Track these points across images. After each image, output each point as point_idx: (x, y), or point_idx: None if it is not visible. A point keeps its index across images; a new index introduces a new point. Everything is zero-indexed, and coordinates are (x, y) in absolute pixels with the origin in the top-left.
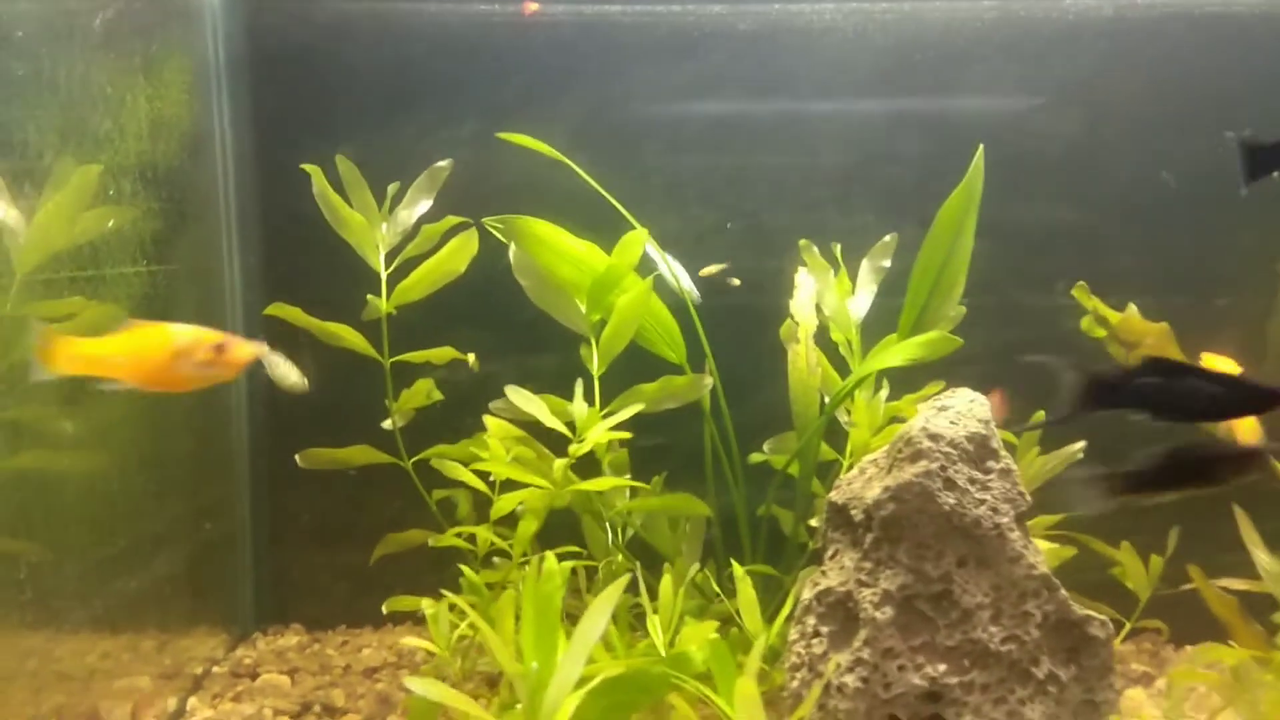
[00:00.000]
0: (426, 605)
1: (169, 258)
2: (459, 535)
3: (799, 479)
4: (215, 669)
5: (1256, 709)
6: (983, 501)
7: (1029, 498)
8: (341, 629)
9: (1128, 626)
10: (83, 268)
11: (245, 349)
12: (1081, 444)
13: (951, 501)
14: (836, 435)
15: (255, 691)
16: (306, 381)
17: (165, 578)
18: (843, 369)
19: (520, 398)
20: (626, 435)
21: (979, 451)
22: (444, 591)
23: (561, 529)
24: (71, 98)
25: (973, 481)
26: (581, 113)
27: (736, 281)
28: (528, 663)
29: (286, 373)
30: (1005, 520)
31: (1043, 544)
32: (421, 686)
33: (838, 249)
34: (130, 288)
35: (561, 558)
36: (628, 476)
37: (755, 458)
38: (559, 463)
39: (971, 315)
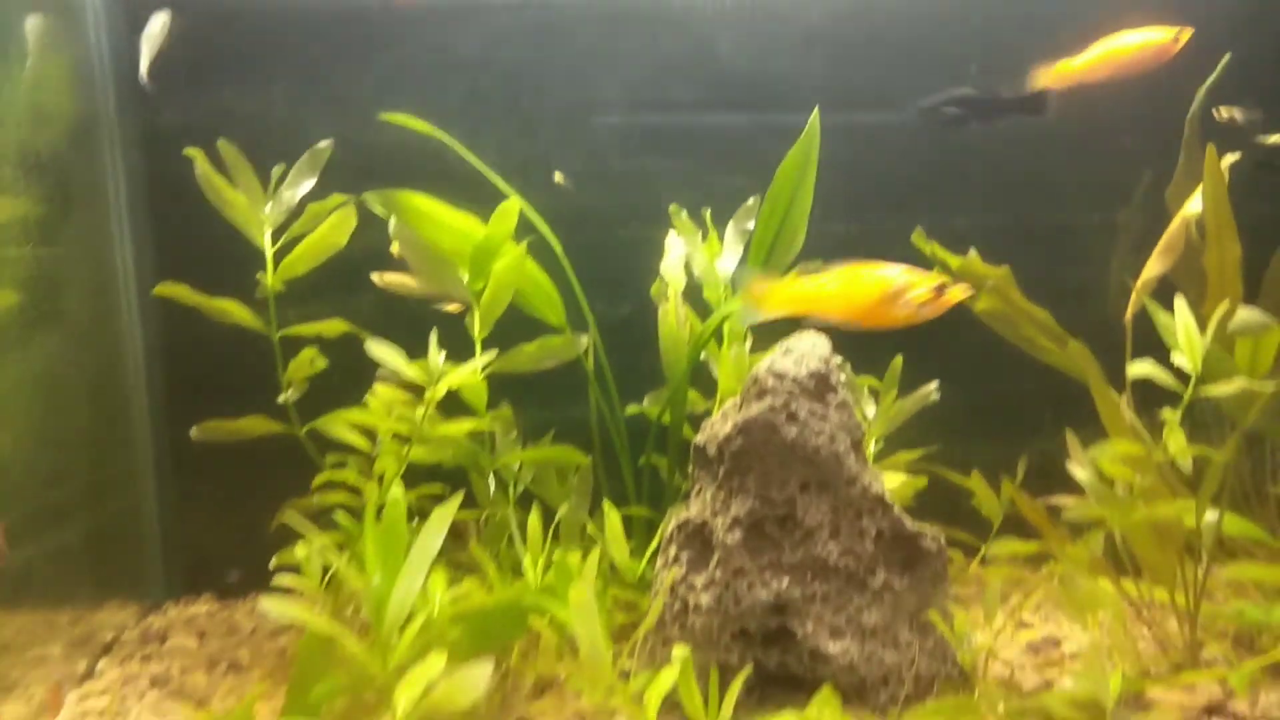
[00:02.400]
0: (299, 548)
1: (56, 241)
2: (343, 486)
3: (671, 427)
4: (125, 635)
5: (1070, 588)
6: (822, 431)
7: (864, 426)
8: (251, 596)
9: (983, 550)
10: None
11: (959, 291)
12: (935, 384)
13: (794, 433)
14: (711, 389)
15: (164, 653)
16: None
17: (71, 553)
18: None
19: (381, 350)
20: (477, 380)
21: (819, 387)
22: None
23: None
24: None
25: (813, 414)
26: (457, 92)
27: (561, 178)
28: (371, 577)
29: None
30: (842, 447)
31: (898, 476)
32: (275, 606)
33: (708, 214)
34: (16, 270)
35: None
36: (514, 434)
37: (631, 409)
38: (419, 410)
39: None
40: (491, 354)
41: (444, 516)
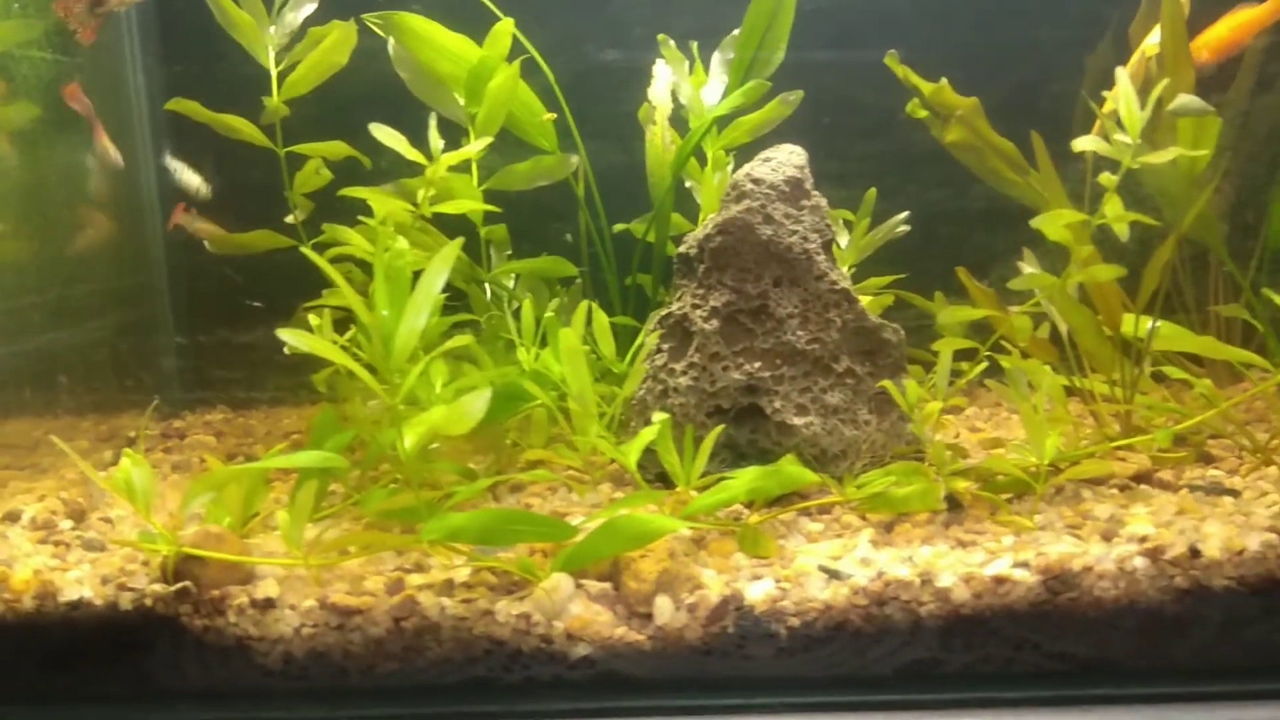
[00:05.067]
0: (312, 318)
1: (71, 52)
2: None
3: (655, 245)
4: (148, 433)
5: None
6: (795, 232)
7: (834, 228)
8: (263, 409)
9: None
10: None
11: None
12: (905, 214)
13: (769, 233)
14: (695, 213)
15: (184, 447)
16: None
17: (92, 358)
18: (700, 154)
19: (383, 133)
20: (474, 154)
21: (794, 192)
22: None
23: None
24: None
25: (787, 216)
26: None
27: None
28: (379, 313)
29: (189, 179)
30: (813, 246)
31: (867, 298)
32: (290, 335)
33: (695, 46)
34: (37, 70)
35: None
36: (508, 253)
37: (618, 228)
38: (421, 193)
39: None
40: (485, 141)
41: (446, 258)
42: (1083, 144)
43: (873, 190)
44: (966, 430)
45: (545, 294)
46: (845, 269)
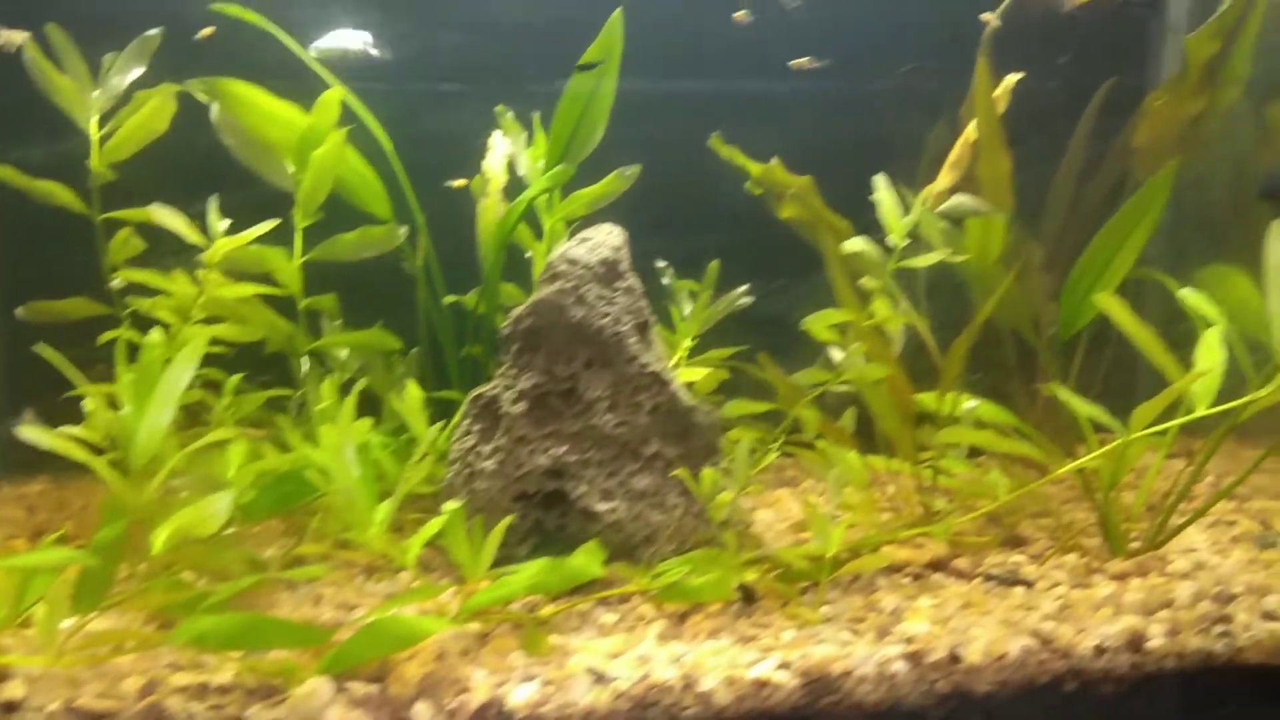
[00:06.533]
0: (88, 402)
1: None
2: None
3: (484, 317)
4: None
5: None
6: (607, 314)
7: (649, 311)
8: (88, 480)
9: (778, 440)
10: None
11: None
12: (746, 287)
13: (581, 314)
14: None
15: None
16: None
17: None
18: (537, 226)
19: (162, 214)
20: (250, 238)
21: (608, 274)
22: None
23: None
24: None
25: (600, 298)
26: None
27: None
28: (123, 409)
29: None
30: (625, 329)
31: (701, 370)
32: (32, 432)
33: (536, 117)
34: None
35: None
36: (338, 322)
37: (448, 299)
38: (202, 273)
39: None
40: (271, 223)
41: (193, 351)
42: (851, 246)
43: (715, 262)
44: (800, 507)
45: (380, 370)
46: (688, 340)
